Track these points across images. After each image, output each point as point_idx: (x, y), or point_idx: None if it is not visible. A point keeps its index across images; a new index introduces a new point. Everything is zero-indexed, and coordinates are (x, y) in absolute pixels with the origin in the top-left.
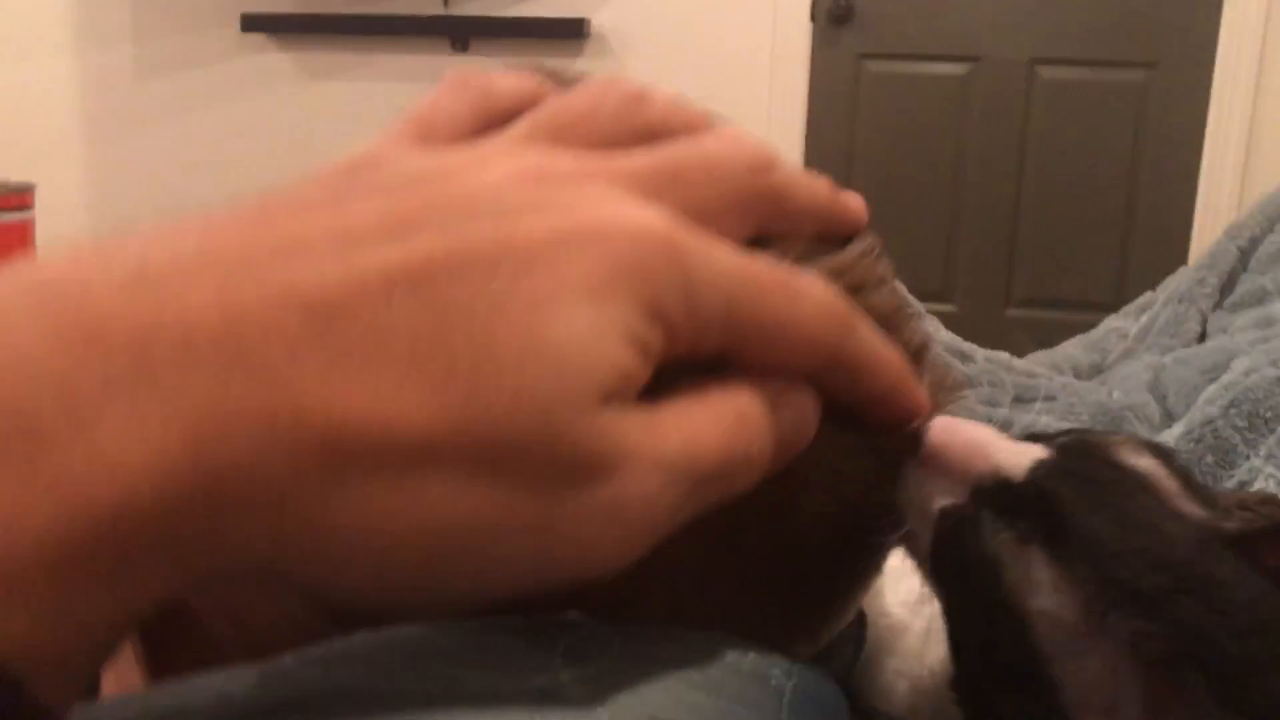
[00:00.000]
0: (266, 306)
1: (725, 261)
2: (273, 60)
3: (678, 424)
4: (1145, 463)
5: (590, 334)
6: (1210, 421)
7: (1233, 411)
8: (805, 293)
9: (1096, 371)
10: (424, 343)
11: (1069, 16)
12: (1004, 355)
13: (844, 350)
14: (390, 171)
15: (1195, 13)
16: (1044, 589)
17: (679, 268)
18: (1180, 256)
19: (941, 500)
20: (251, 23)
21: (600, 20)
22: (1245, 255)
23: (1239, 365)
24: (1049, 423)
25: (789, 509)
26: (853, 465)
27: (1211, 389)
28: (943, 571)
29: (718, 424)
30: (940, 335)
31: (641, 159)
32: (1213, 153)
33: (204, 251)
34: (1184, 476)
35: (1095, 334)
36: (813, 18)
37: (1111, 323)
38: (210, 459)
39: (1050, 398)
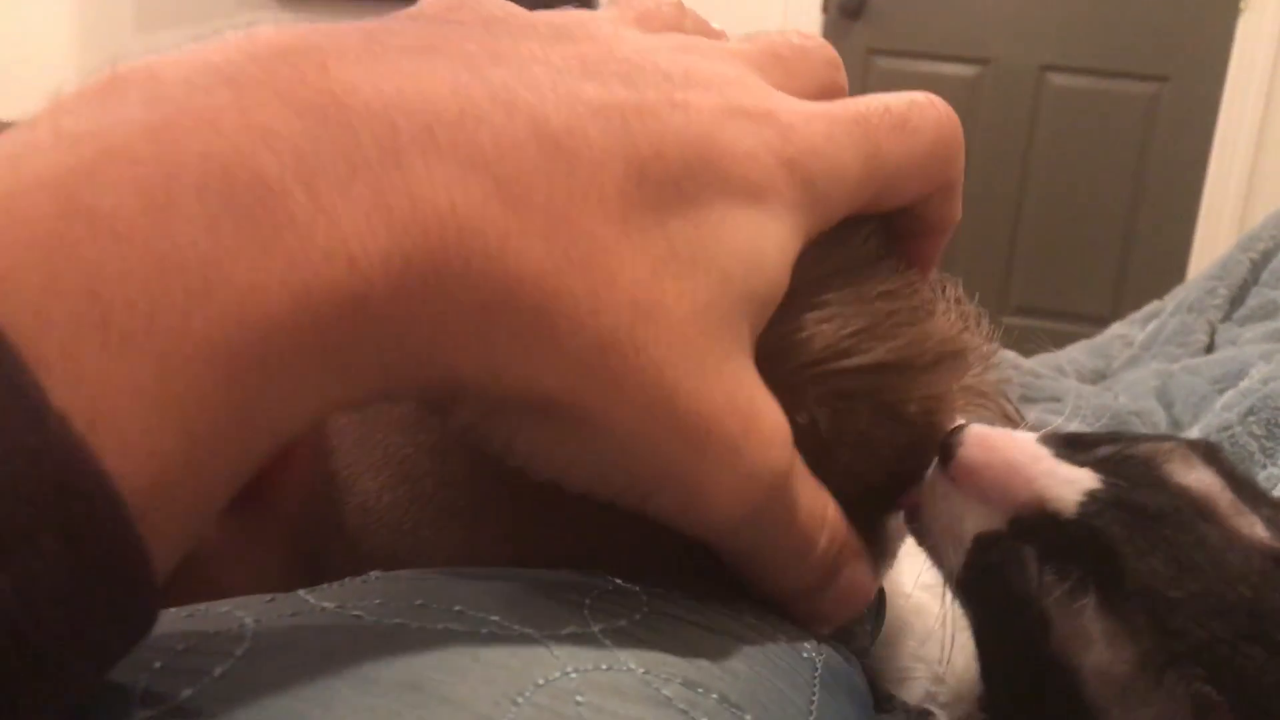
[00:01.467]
0: (499, 113)
1: (848, 148)
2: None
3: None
4: (1199, 478)
5: (751, 243)
6: (1228, 428)
7: (1250, 419)
8: (911, 120)
9: (1100, 377)
10: (632, 209)
11: (1082, 24)
12: (1010, 354)
13: (955, 172)
14: (546, 20)
15: (1209, 29)
16: (1097, 644)
17: (825, 178)
18: (1178, 273)
19: (976, 525)
20: None
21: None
22: (1257, 268)
23: (1256, 373)
24: (1052, 421)
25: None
26: (881, 434)
27: (1229, 395)
28: (978, 602)
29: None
30: None
31: (746, 45)
32: (1217, 172)
33: (428, 44)
34: (1236, 480)
35: (1100, 340)
36: (824, 10)
37: (1117, 329)
38: (442, 264)
39: (1055, 398)
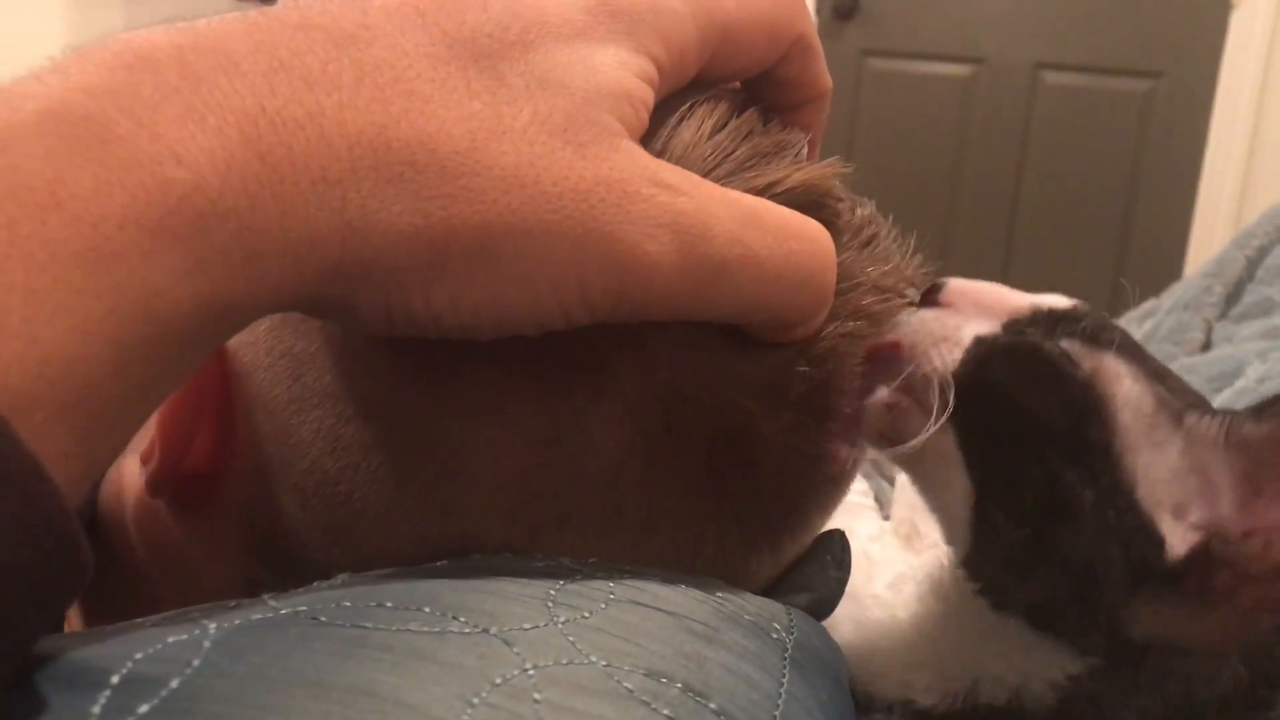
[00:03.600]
0: (291, 32)
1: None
2: None
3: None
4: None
5: (584, 62)
6: None
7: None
8: None
9: None
10: (441, 65)
11: (1075, 22)
12: None
13: (803, 26)
14: None
15: (1201, 25)
16: (1125, 379)
17: (649, 12)
18: (1175, 269)
19: (972, 330)
20: None
21: None
22: (1253, 265)
23: (1253, 372)
24: None
25: (720, 410)
26: (786, 371)
27: (1225, 395)
28: (992, 382)
29: (732, 208)
30: None
31: None
32: (1213, 167)
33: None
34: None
35: None
36: (817, 11)
37: None
38: (267, 149)
39: None
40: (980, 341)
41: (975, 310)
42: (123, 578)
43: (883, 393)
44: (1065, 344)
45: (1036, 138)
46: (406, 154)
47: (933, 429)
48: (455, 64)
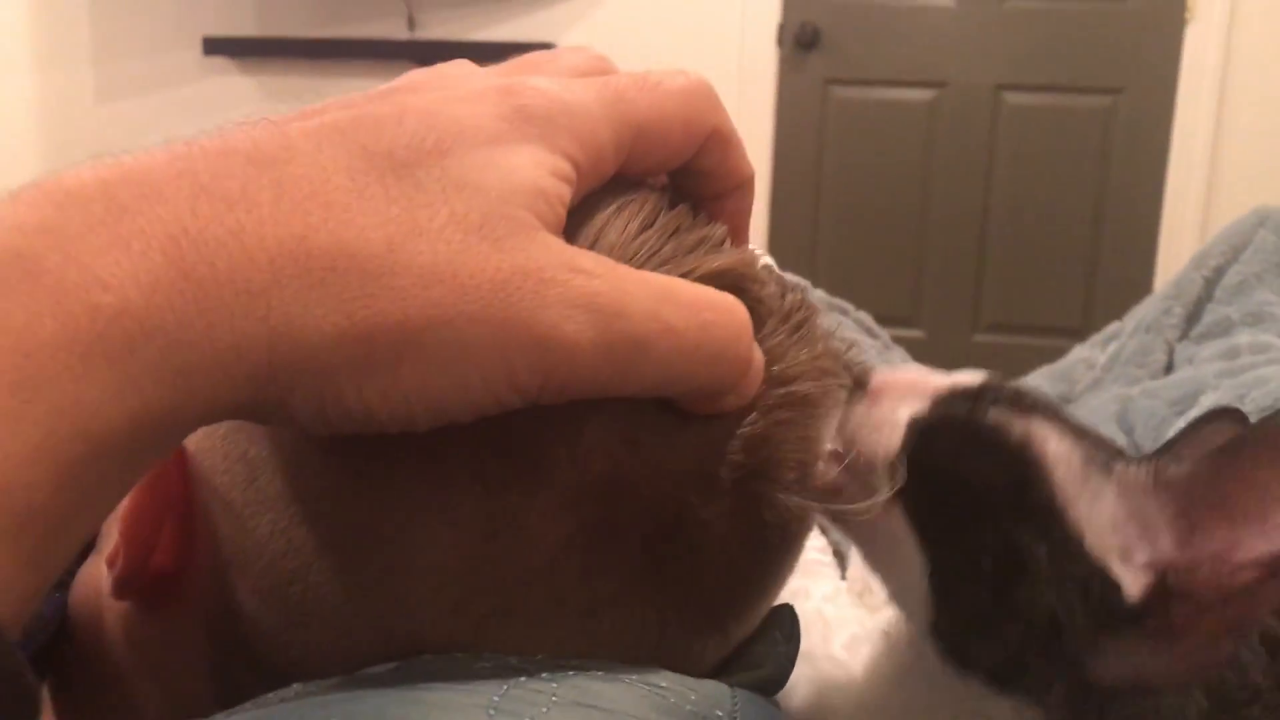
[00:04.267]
0: (211, 157)
1: (590, 97)
2: (236, 83)
3: (615, 277)
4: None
5: (499, 164)
6: None
7: None
8: (662, 82)
9: (1065, 402)
10: (360, 177)
11: (1033, 43)
12: None
13: (717, 119)
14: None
15: (1157, 40)
16: (1052, 438)
17: (562, 115)
18: (1146, 279)
19: (905, 415)
20: (214, 46)
21: (567, 43)
22: (1210, 285)
23: (1206, 401)
24: None
25: (655, 489)
26: (718, 445)
27: (1180, 424)
28: (924, 463)
29: (646, 286)
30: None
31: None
32: (1176, 176)
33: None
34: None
35: (1062, 364)
36: (779, 43)
37: (1079, 353)
38: (190, 268)
39: None
40: (915, 422)
41: (903, 395)
42: (96, 676)
43: (828, 474)
44: (993, 414)
45: (1001, 157)
46: (327, 260)
47: (881, 498)
48: (373, 174)
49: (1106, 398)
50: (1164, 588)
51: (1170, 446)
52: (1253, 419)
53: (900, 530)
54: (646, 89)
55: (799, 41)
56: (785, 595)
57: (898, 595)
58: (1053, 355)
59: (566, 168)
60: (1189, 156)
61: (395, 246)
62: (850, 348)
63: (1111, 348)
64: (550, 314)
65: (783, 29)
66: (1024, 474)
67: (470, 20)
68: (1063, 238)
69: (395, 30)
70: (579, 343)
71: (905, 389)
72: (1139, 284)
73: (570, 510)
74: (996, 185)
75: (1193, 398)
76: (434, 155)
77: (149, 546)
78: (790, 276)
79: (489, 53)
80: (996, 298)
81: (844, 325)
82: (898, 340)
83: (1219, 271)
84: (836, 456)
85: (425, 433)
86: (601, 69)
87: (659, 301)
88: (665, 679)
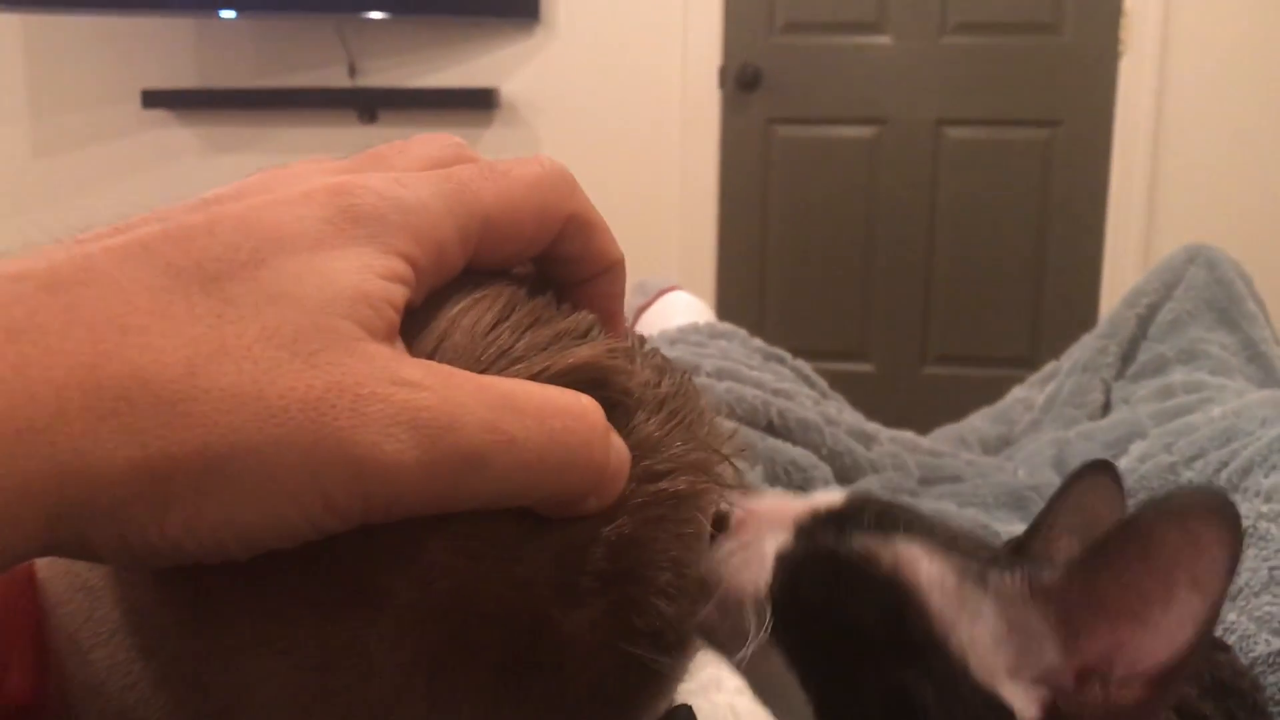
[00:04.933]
0: (1, 284)
1: (428, 191)
2: (176, 135)
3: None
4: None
5: (318, 271)
6: None
7: (1129, 501)
8: (511, 170)
9: (1004, 444)
10: (163, 295)
11: (972, 78)
12: (908, 435)
13: (574, 205)
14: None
15: (1093, 72)
16: (922, 560)
17: (394, 212)
18: (1090, 308)
19: (771, 549)
20: (153, 98)
21: (510, 90)
22: (1144, 323)
23: (1136, 450)
24: (952, 508)
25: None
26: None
27: (1122, 462)
28: (796, 597)
29: (482, 395)
30: (843, 418)
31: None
32: (1117, 204)
33: None
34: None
35: (1002, 405)
36: (721, 84)
37: (1017, 393)
38: None
39: (956, 478)
40: (781, 559)
41: (766, 525)
42: None
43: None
44: (858, 541)
45: (944, 191)
46: (118, 389)
47: (749, 648)
48: (179, 292)
49: (1044, 441)
50: (1056, 712)
51: (1048, 510)
52: (1179, 467)
53: (780, 672)
54: (493, 178)
55: (740, 82)
56: (695, 687)
57: None
58: (1001, 386)
59: (401, 267)
60: (1128, 185)
61: (196, 370)
62: (733, 434)
63: (1049, 388)
64: (368, 433)
65: (724, 70)
66: (898, 607)
67: (411, 67)
68: (1008, 268)
69: (336, 79)
70: (401, 462)
71: (767, 519)
72: (1084, 312)
73: (412, 634)
74: (940, 218)
75: (1126, 441)
76: (248, 266)
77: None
78: (725, 324)
79: (431, 99)
80: (944, 330)
81: (782, 375)
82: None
83: (1152, 309)
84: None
85: (252, 564)
86: (458, 157)
87: (497, 410)
88: None
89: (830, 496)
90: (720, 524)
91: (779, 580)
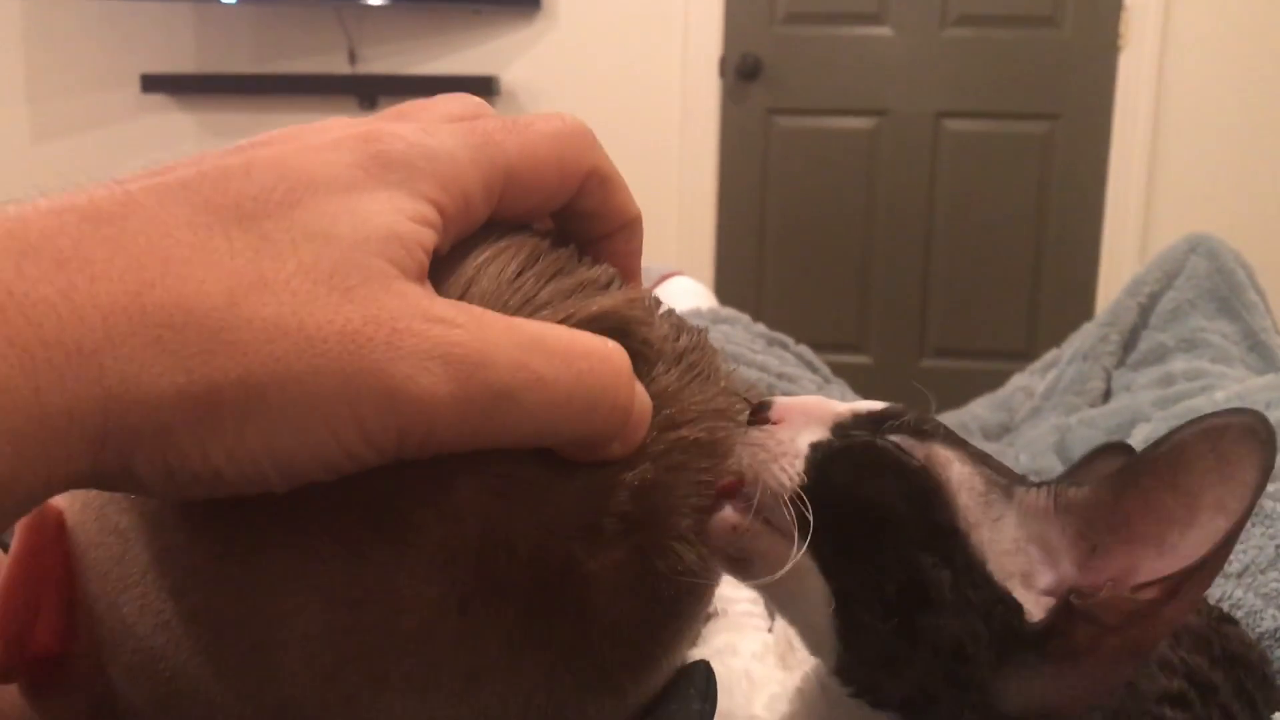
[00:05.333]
0: (44, 216)
1: (454, 141)
2: (175, 120)
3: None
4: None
5: (352, 212)
6: None
7: None
8: (533, 124)
9: (1004, 431)
10: (202, 231)
11: (972, 71)
12: None
13: (594, 159)
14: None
15: (1093, 66)
16: (954, 462)
17: (422, 159)
18: (1087, 301)
19: (805, 440)
20: (152, 83)
21: (510, 77)
22: (1145, 311)
23: (1140, 433)
24: None
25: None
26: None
27: None
28: (826, 490)
29: (513, 334)
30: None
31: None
32: (1115, 199)
33: None
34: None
35: (1002, 393)
36: (721, 73)
37: (1018, 381)
38: (15, 333)
39: None
40: (817, 448)
41: (803, 421)
42: None
43: (727, 512)
44: (895, 438)
45: (943, 183)
46: (163, 316)
47: (799, 554)
48: (218, 228)
49: (1045, 427)
50: (1067, 610)
51: (1072, 475)
52: None
53: (804, 563)
54: (516, 131)
55: (740, 72)
56: (711, 653)
57: (805, 633)
58: (999, 378)
59: (429, 212)
60: (1126, 179)
61: (237, 300)
62: (750, 388)
63: (1050, 376)
64: (404, 366)
65: (724, 61)
66: (926, 499)
67: (412, 54)
68: (1006, 261)
69: (337, 65)
70: (436, 395)
71: (805, 416)
72: (1081, 305)
73: (442, 572)
74: (939, 211)
75: (1129, 426)
76: (283, 207)
77: (27, 627)
78: (728, 309)
79: (431, 86)
80: (942, 323)
81: (785, 360)
82: (845, 367)
83: (1154, 298)
84: (735, 487)
85: (286, 498)
86: (480, 113)
87: (527, 350)
88: None
89: (871, 403)
90: (759, 410)
91: (814, 469)
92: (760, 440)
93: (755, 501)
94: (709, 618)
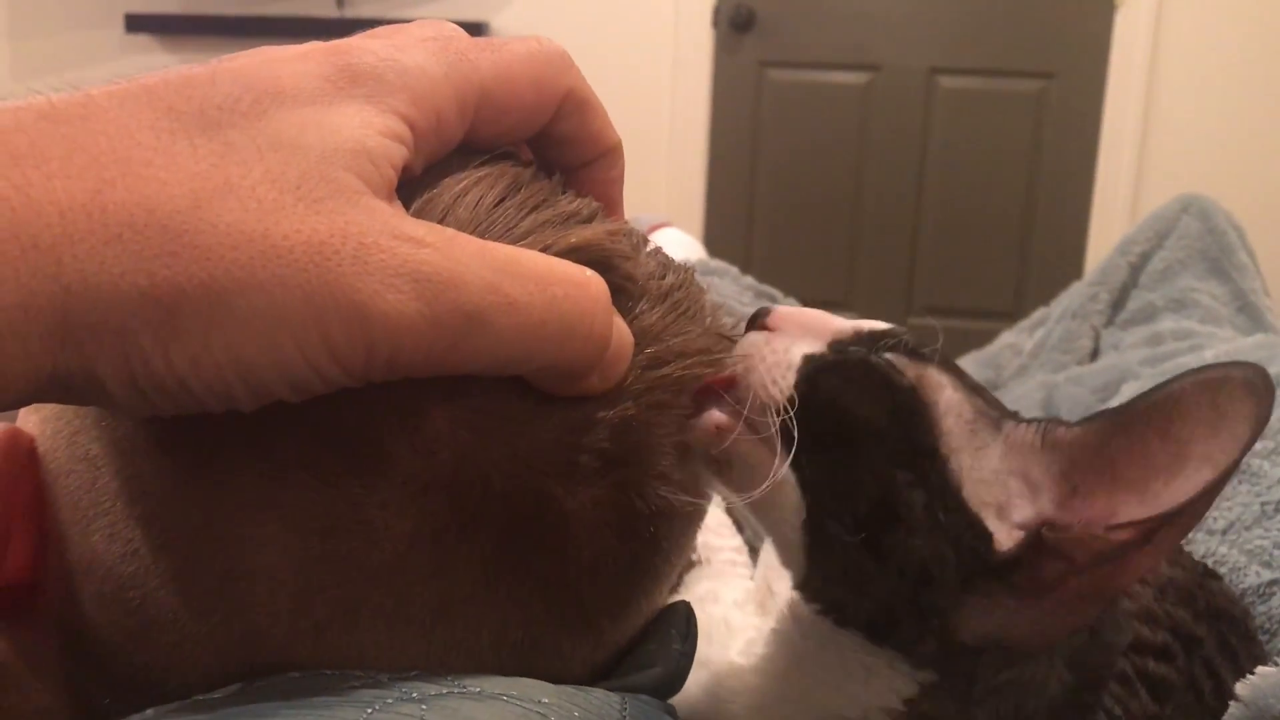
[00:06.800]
0: (2, 114)
1: (426, 57)
2: (159, 61)
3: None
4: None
5: (320, 124)
6: None
7: None
8: (508, 44)
9: (992, 388)
10: (165, 135)
11: (966, 27)
12: None
13: (570, 81)
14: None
15: (1089, 25)
16: (946, 388)
17: (392, 73)
18: (1076, 263)
19: (800, 351)
20: (136, 23)
21: (500, 23)
22: (1136, 271)
23: (1127, 390)
24: None
25: (500, 487)
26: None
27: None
28: (816, 402)
29: (485, 257)
30: None
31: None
32: (1107, 159)
33: None
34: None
35: (990, 350)
36: (714, 24)
37: (1006, 338)
38: None
39: None
40: (810, 359)
41: (801, 332)
42: None
43: (714, 414)
44: (889, 357)
45: (935, 140)
46: (123, 215)
47: (783, 468)
48: (181, 133)
49: (1032, 385)
50: (1037, 543)
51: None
52: None
53: (783, 474)
54: (490, 50)
55: (734, 24)
56: (693, 600)
57: (776, 540)
58: (986, 338)
59: (399, 127)
60: (1119, 140)
61: (201, 203)
62: (736, 324)
63: (1038, 334)
64: (371, 282)
65: (717, 11)
66: (911, 418)
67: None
68: (996, 221)
69: (323, 8)
70: (404, 314)
71: (804, 328)
72: (1070, 267)
73: (415, 503)
74: (930, 168)
75: (1116, 385)
76: (249, 116)
77: None
78: (717, 260)
79: None
80: (930, 281)
81: None
82: None
83: (1144, 258)
84: (726, 384)
85: (256, 424)
86: (451, 36)
87: (499, 273)
88: (547, 693)
89: (875, 322)
90: (756, 320)
91: (804, 380)
92: (756, 344)
93: (744, 406)
94: (692, 565)
